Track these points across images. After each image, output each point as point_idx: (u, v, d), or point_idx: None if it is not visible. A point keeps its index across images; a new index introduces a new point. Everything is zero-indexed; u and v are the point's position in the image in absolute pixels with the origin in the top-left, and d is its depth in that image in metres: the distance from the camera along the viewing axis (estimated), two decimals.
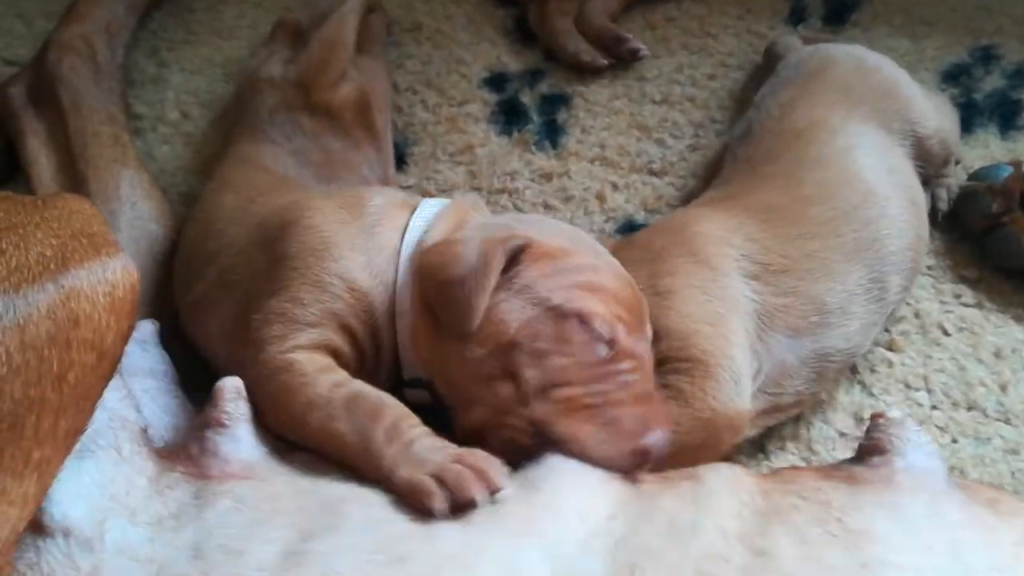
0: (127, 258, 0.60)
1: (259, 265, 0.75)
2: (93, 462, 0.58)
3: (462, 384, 0.69)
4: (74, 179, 0.98)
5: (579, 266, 0.71)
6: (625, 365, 0.68)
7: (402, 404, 0.66)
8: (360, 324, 0.71)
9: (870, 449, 0.64)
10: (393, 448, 0.62)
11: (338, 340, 0.70)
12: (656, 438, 0.65)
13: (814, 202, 0.82)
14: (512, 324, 0.67)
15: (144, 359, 0.74)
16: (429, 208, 0.77)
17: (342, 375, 0.68)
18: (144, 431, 0.64)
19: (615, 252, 0.79)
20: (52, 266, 0.56)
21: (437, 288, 0.69)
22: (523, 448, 0.66)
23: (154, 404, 0.70)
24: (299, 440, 0.67)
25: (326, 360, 0.68)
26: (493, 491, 0.59)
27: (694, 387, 0.73)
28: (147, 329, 0.78)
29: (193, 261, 0.84)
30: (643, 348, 0.70)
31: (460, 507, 0.58)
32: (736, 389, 0.74)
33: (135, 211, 0.97)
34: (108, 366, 0.57)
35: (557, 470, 0.63)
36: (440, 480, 0.59)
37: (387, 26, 1.17)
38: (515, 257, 0.70)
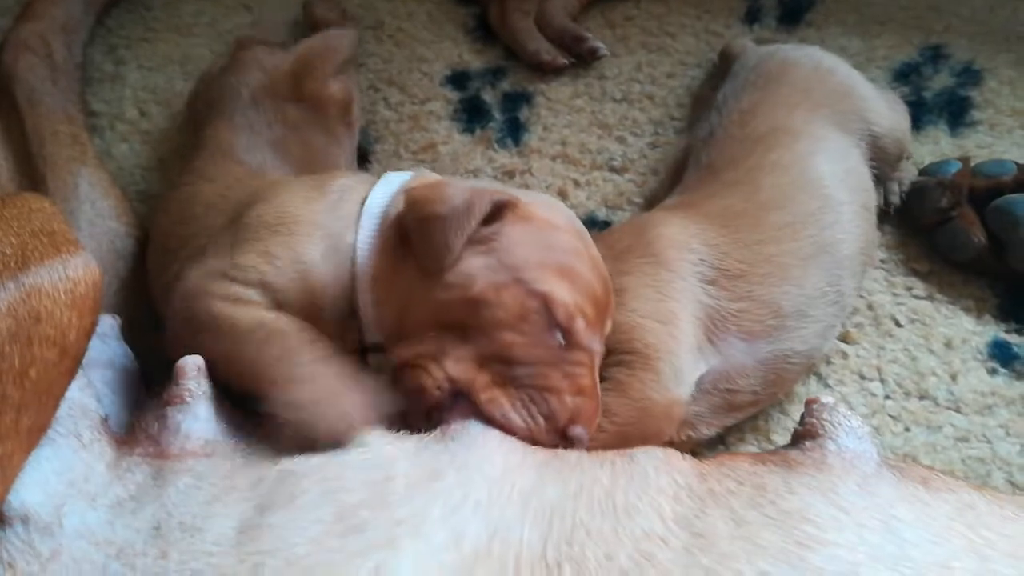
0: (88, 255, 0.60)
1: (216, 236, 0.75)
2: (52, 449, 0.58)
3: (409, 319, 0.69)
4: (32, 178, 0.97)
5: (561, 245, 0.71)
6: (575, 356, 0.69)
7: (315, 331, 0.67)
8: (295, 301, 0.70)
9: (804, 434, 0.66)
10: (303, 369, 0.64)
11: (269, 306, 0.70)
12: (578, 431, 0.67)
13: (773, 208, 0.84)
14: (479, 281, 0.68)
15: (104, 352, 0.73)
16: (395, 177, 0.78)
17: (267, 313, 0.68)
18: (104, 420, 0.64)
19: None
20: (12, 264, 0.55)
21: (419, 220, 0.69)
22: (425, 400, 0.67)
23: (114, 396, 0.70)
24: (224, 377, 0.67)
25: (250, 306, 0.69)
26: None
27: (632, 378, 0.74)
28: (108, 323, 0.77)
29: (168, 246, 0.83)
30: (596, 345, 0.71)
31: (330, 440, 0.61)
32: (674, 381, 0.75)
33: (95, 209, 0.96)
34: (71, 362, 0.57)
35: (484, 431, 0.64)
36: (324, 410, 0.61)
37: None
38: (500, 212, 0.70)
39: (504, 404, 0.66)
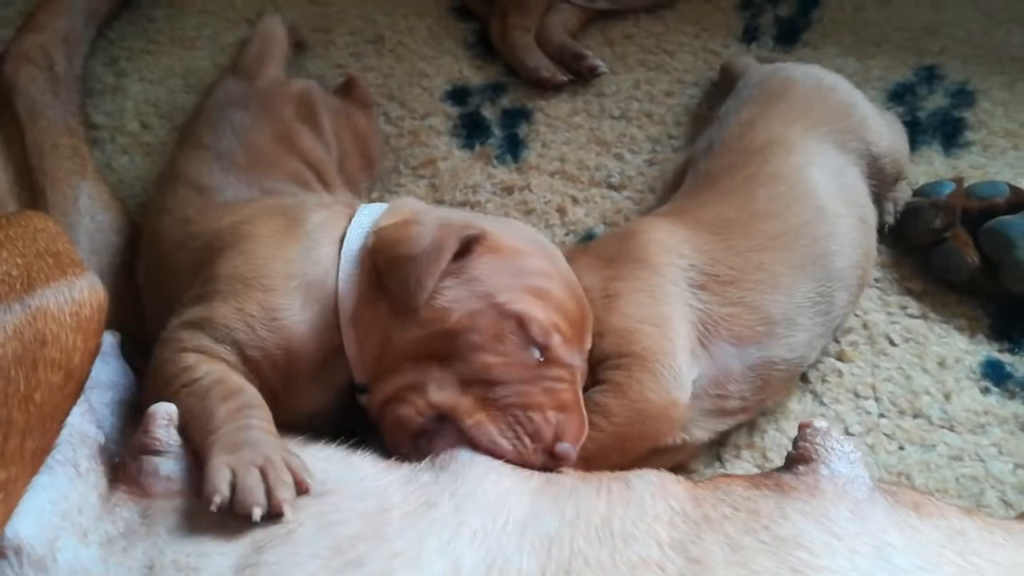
0: (93, 277, 0.60)
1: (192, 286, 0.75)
2: (49, 477, 0.58)
3: (388, 356, 0.70)
4: (32, 191, 0.97)
5: (530, 269, 0.73)
6: (554, 372, 0.70)
7: (260, 396, 0.67)
8: (265, 356, 0.70)
9: (797, 458, 0.67)
10: (226, 427, 0.63)
11: (233, 361, 0.70)
12: (565, 448, 0.67)
13: (766, 217, 0.85)
14: (454, 313, 0.69)
15: (104, 371, 0.73)
16: (368, 212, 0.78)
17: (218, 364, 0.69)
18: (102, 447, 0.65)
19: (571, 257, 0.81)
20: (18, 286, 0.56)
21: (390, 262, 0.71)
22: (410, 432, 0.68)
23: (112, 416, 0.70)
24: None
25: (207, 358, 0.69)
26: (274, 514, 0.57)
27: (631, 379, 0.75)
28: (108, 341, 0.77)
29: (150, 290, 0.84)
30: (577, 361, 0.72)
31: (236, 512, 0.57)
32: (674, 383, 0.76)
33: (95, 223, 0.96)
34: (75, 386, 0.58)
35: (475, 459, 0.65)
36: (233, 479, 0.59)
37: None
38: (468, 246, 0.71)
39: (490, 428, 0.67)
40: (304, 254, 0.74)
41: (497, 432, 0.67)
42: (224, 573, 0.54)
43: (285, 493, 0.58)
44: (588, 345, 0.75)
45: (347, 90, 1.08)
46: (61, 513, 0.57)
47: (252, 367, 0.70)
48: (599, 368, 0.77)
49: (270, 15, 1.09)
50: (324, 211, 0.79)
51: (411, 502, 0.60)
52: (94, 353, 0.59)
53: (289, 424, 0.68)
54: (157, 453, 0.62)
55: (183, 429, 0.65)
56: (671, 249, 0.83)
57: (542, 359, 0.69)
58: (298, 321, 0.71)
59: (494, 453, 0.66)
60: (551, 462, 0.68)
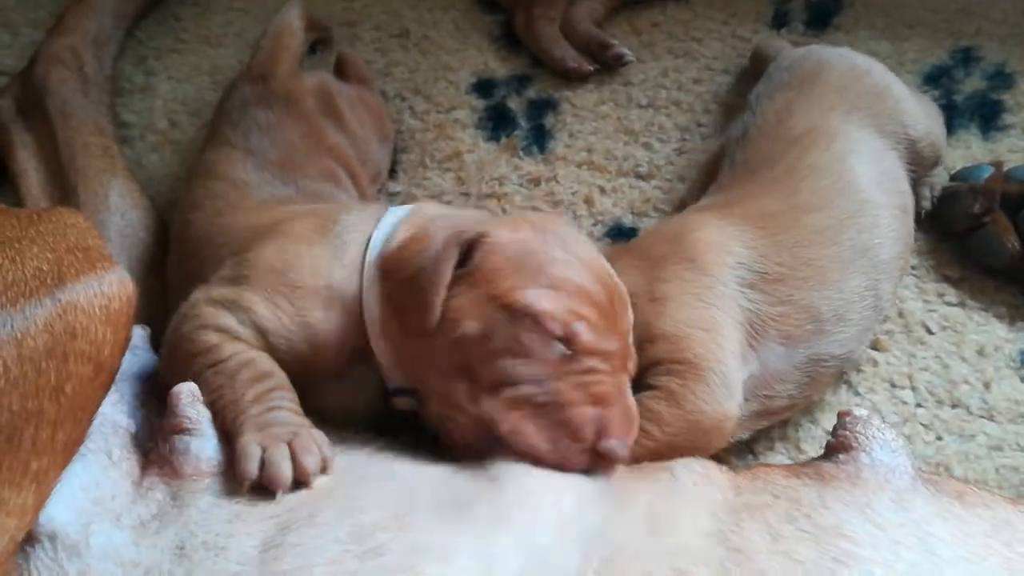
0: (123, 271, 0.61)
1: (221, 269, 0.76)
2: (82, 465, 0.59)
3: (423, 376, 0.70)
4: (63, 190, 0.99)
5: (540, 261, 0.69)
6: (585, 364, 0.67)
7: (288, 381, 0.68)
8: (290, 347, 0.71)
9: (837, 446, 0.66)
10: (255, 408, 0.64)
11: (258, 346, 0.70)
12: (611, 445, 0.65)
13: (811, 210, 0.83)
14: (465, 320, 0.67)
15: (134, 363, 0.74)
16: (391, 217, 0.77)
17: (244, 345, 0.69)
18: (134, 436, 0.65)
19: (613, 258, 0.79)
20: (49, 280, 0.56)
21: (397, 287, 0.70)
22: (474, 444, 0.67)
23: (143, 407, 0.70)
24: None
25: (232, 338, 0.70)
26: (301, 482, 0.60)
27: (685, 389, 0.74)
28: (137, 334, 0.78)
29: (174, 283, 0.84)
30: (613, 344, 0.69)
31: (266, 485, 0.60)
32: (726, 393, 0.74)
33: (125, 220, 0.97)
34: (105, 378, 0.58)
35: (518, 465, 0.64)
36: (263, 455, 0.61)
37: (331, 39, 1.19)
38: (470, 251, 0.69)
39: (526, 432, 0.65)
40: (332, 256, 0.73)
41: (535, 433, 0.65)
42: (250, 552, 0.54)
43: (311, 463, 0.61)
44: (628, 325, 0.72)
45: (342, 70, 1.09)
46: (94, 499, 0.58)
47: (276, 356, 0.70)
48: (649, 372, 0.75)
49: (284, 10, 1.08)
50: (355, 213, 0.78)
51: (441, 498, 0.59)
52: (124, 346, 0.60)
53: (318, 421, 0.68)
54: (187, 432, 0.63)
55: (210, 405, 0.66)
56: (721, 247, 0.80)
57: (569, 353, 0.66)
58: (320, 320, 0.71)
59: (533, 457, 0.65)
60: (598, 462, 0.65)
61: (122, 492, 0.59)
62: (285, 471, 0.60)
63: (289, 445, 0.61)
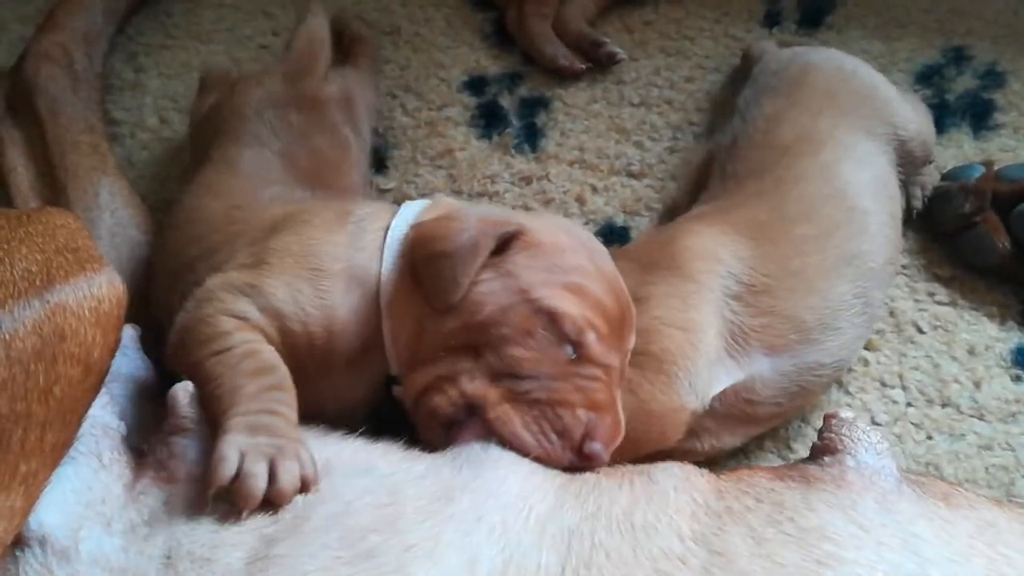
0: (113, 272, 0.60)
1: (236, 257, 0.75)
2: (72, 468, 0.58)
3: (422, 348, 0.70)
4: (53, 188, 0.98)
5: (568, 266, 0.72)
6: (588, 371, 0.69)
7: (290, 381, 0.67)
8: (306, 333, 0.70)
9: (822, 449, 0.66)
10: (252, 405, 0.63)
11: (271, 334, 0.70)
12: (596, 448, 0.66)
13: (799, 220, 0.82)
14: (487, 306, 0.69)
15: (124, 364, 0.74)
16: (411, 207, 0.78)
17: (256, 336, 0.69)
18: (124, 438, 0.65)
19: None
20: (38, 282, 0.56)
21: (427, 258, 0.71)
22: (442, 422, 0.67)
23: (134, 408, 0.70)
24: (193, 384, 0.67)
25: (246, 326, 0.69)
26: (274, 503, 0.58)
27: (643, 379, 0.74)
28: (127, 334, 0.77)
29: (172, 267, 0.83)
30: (615, 361, 0.71)
31: (232, 498, 0.58)
32: (687, 389, 0.75)
33: (115, 218, 0.97)
34: (95, 380, 0.58)
35: (500, 454, 0.64)
36: (241, 463, 0.59)
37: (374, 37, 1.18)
38: (506, 242, 0.71)
39: (514, 421, 0.66)
40: (351, 240, 0.74)
41: (521, 425, 0.66)
42: (236, 566, 0.54)
43: (287, 485, 0.59)
44: (629, 346, 0.74)
45: (350, 47, 1.11)
46: (85, 503, 0.57)
47: (290, 344, 0.70)
48: None
49: (313, 14, 1.06)
50: (369, 205, 0.80)
51: (427, 496, 0.59)
52: (113, 348, 0.59)
53: (317, 415, 0.68)
54: (187, 432, 0.63)
55: (206, 396, 0.65)
56: (711, 255, 0.81)
57: (575, 357, 0.68)
58: (340, 304, 0.71)
59: (517, 447, 0.66)
60: (580, 462, 0.67)
61: (113, 496, 0.59)
62: (256, 489, 0.58)
63: (271, 461, 0.59)
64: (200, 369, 0.66)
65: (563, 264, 0.72)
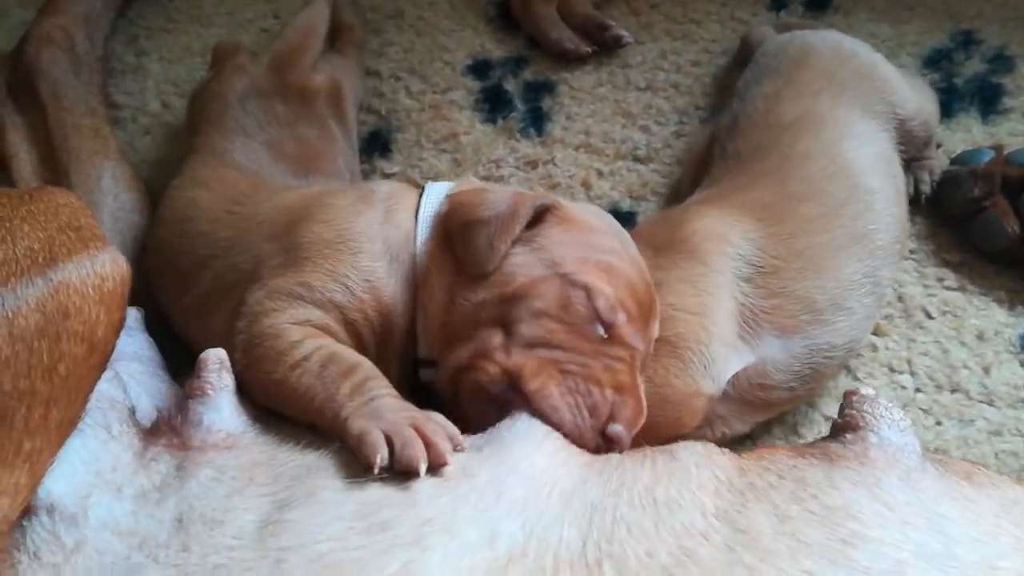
0: (116, 251, 0.60)
1: (265, 258, 0.74)
2: (81, 441, 0.58)
3: (457, 323, 0.70)
4: (55, 171, 0.98)
5: (601, 245, 0.72)
6: (616, 352, 0.68)
7: (375, 368, 0.67)
8: (364, 318, 0.70)
9: (844, 426, 0.65)
10: (355, 401, 0.63)
11: (336, 328, 0.70)
12: (618, 430, 0.66)
13: (803, 199, 0.82)
14: (520, 278, 0.69)
15: (129, 344, 0.74)
16: (439, 185, 0.78)
17: (326, 340, 0.68)
18: (132, 411, 0.65)
19: None
20: (40, 260, 0.56)
21: (464, 225, 0.71)
22: (489, 399, 0.67)
23: (139, 387, 0.70)
24: (276, 405, 0.67)
25: (313, 331, 0.69)
26: (438, 465, 0.58)
27: (657, 363, 0.74)
28: (131, 315, 0.78)
29: (181, 265, 0.82)
30: (640, 344, 0.70)
31: (400, 471, 0.58)
32: (702, 373, 0.74)
33: (117, 202, 0.96)
34: (99, 357, 0.57)
35: (525, 432, 0.64)
36: (388, 440, 0.59)
37: (364, 23, 1.17)
38: (541, 216, 0.72)
39: (553, 392, 0.65)
40: (385, 218, 0.74)
41: (559, 396, 0.66)
42: (248, 528, 0.54)
43: (444, 444, 0.59)
44: (654, 333, 0.73)
45: (338, 33, 1.10)
46: (94, 472, 0.57)
47: (354, 334, 0.70)
48: None
49: (312, 6, 1.05)
50: (390, 185, 0.80)
51: (445, 472, 0.58)
52: (118, 326, 0.59)
53: None
54: (205, 396, 0.63)
55: (302, 412, 0.64)
56: (720, 237, 0.80)
57: (606, 336, 0.68)
58: (386, 282, 0.71)
59: (554, 420, 0.65)
60: (603, 443, 0.66)
61: (123, 463, 0.58)
62: (420, 453, 0.57)
63: (415, 428, 0.59)
64: (285, 387, 0.65)
65: (595, 243, 0.72)
